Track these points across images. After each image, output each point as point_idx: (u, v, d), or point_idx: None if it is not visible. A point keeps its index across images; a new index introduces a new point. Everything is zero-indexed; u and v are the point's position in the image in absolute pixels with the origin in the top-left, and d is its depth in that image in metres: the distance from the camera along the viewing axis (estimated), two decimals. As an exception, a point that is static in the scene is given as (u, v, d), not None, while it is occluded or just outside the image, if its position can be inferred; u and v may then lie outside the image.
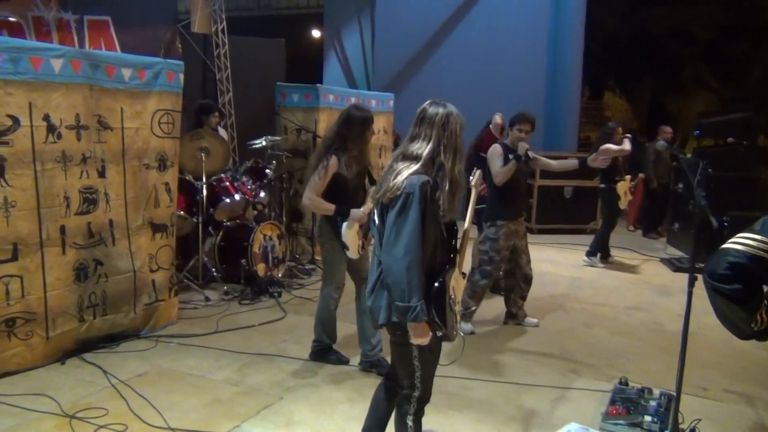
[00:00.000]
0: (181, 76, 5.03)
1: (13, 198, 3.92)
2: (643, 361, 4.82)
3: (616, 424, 3.67)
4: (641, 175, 10.86)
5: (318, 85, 7.78)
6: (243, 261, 6.02)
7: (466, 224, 2.88)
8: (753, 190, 9.09)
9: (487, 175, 5.15)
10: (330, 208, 4.15)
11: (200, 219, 6.05)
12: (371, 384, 4.18)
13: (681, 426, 3.58)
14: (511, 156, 5.12)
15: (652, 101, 18.98)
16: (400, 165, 2.65)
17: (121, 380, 4.04)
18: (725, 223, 6.55)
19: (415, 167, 2.60)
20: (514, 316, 5.55)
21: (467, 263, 4.30)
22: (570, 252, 8.80)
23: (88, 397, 3.80)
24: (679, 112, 17.73)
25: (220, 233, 6.26)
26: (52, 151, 4.14)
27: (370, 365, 4.37)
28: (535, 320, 5.58)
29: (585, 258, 8.08)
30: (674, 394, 3.64)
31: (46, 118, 4.09)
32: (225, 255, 6.25)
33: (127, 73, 4.63)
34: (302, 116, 7.47)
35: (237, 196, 6.33)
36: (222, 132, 7.31)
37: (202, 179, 6.02)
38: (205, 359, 4.50)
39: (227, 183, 6.31)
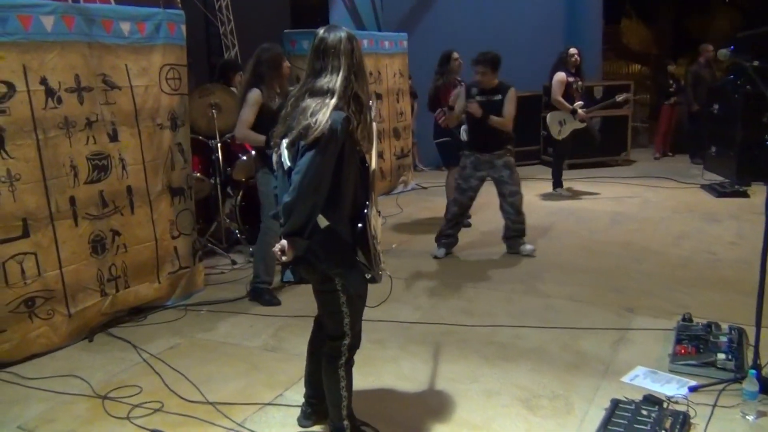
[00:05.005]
0: (183, 27, 4.66)
1: (16, 171, 3.61)
2: (702, 294, 4.49)
3: (688, 364, 3.37)
4: (672, 100, 10.38)
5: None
6: (267, 220, 5.73)
7: (374, 162, 2.69)
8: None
9: None
10: (261, 139, 4.32)
11: (218, 180, 5.75)
12: (418, 341, 3.93)
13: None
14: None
15: (673, 24, 18.15)
16: (312, 102, 2.41)
17: (152, 354, 3.82)
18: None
19: (333, 101, 2.39)
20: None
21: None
22: (604, 185, 8.42)
23: (119, 375, 3.58)
24: (704, 33, 16.89)
25: (240, 193, 5.95)
26: (54, 118, 3.81)
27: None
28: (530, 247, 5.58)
29: (553, 191, 7.97)
30: (744, 328, 3.36)
31: (44, 81, 3.76)
32: (247, 215, 5.95)
33: (125, 26, 4.26)
34: (314, 64, 7.05)
35: (254, 152, 5.97)
36: (234, 89, 6.94)
37: (215, 138, 5.69)
38: (238, 326, 4.26)
39: (242, 140, 5.95)
